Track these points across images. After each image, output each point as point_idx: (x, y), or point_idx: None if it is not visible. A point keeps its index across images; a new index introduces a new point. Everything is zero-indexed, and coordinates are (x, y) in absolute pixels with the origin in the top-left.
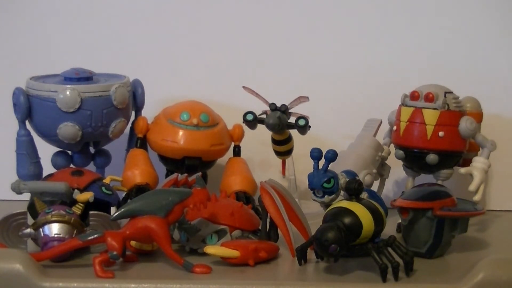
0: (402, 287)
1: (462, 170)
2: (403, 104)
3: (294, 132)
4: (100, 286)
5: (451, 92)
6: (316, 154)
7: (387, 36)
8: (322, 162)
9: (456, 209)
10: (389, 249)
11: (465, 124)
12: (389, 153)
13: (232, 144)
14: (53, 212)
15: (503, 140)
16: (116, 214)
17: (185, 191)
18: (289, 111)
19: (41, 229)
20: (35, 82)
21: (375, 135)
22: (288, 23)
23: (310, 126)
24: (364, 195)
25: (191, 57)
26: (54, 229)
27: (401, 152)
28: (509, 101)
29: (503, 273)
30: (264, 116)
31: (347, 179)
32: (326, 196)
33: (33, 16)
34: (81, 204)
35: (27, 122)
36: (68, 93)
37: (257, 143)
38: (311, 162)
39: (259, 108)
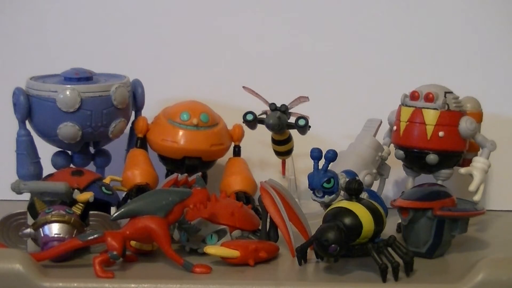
0: (402, 287)
1: (462, 170)
2: (403, 104)
3: (294, 132)
4: (100, 286)
5: (451, 92)
6: (316, 154)
7: (387, 36)
8: (322, 162)
9: (456, 209)
10: (389, 249)
11: (465, 124)
12: (389, 153)
13: (232, 144)
14: (53, 212)
15: (503, 140)
16: (116, 214)
17: (185, 191)
18: (289, 111)
19: (41, 229)
20: (35, 82)
21: (375, 135)
22: (288, 23)
23: (310, 126)
24: (364, 195)
25: (191, 57)
26: (54, 229)
27: (401, 152)
28: (509, 101)
29: (503, 273)
30: (264, 116)
31: (347, 179)
32: (326, 196)
33: (33, 16)
34: (81, 204)
35: (27, 122)
36: (68, 93)
37: (257, 143)
38: (311, 162)
39: (259, 108)
